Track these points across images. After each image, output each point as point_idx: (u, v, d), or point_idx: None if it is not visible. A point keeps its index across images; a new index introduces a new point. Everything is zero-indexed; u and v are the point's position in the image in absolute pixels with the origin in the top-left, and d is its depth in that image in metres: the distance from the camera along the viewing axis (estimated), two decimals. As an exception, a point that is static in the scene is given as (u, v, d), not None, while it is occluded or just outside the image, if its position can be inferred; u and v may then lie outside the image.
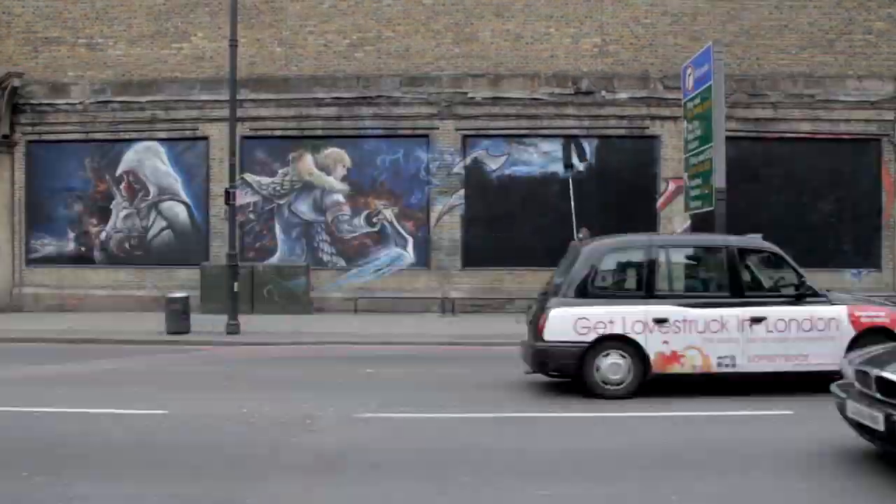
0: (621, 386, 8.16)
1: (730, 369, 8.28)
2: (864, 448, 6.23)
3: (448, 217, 17.33)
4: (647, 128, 17.21)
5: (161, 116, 17.62)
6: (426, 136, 17.39)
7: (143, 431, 6.98)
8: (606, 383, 8.16)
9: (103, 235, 17.99)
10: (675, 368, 8.27)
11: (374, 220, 17.57)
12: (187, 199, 17.83)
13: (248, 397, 8.40)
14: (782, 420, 7.34)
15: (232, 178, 14.48)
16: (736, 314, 8.22)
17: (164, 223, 17.88)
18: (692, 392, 8.47)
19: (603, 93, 17.10)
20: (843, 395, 5.75)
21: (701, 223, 15.33)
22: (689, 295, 8.55)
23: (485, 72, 17.28)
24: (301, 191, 17.67)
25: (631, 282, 8.89)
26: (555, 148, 17.34)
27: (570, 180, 16.90)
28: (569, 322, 8.20)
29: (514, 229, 17.32)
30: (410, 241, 17.52)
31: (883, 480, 5.46)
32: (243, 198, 17.17)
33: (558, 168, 17.35)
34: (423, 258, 17.42)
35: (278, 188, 17.70)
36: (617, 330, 8.18)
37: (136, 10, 17.78)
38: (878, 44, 17.19)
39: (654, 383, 8.35)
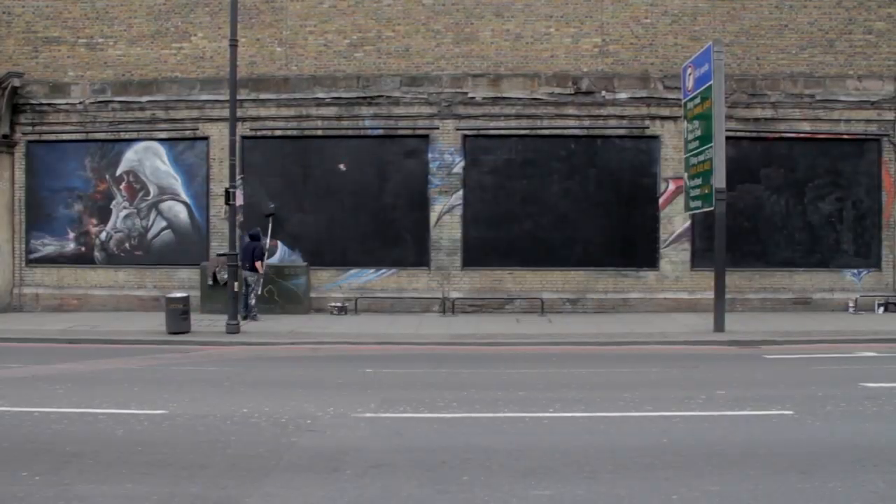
0: None
1: None
2: (864, 447, 6.24)
3: (448, 217, 17.33)
4: (647, 128, 17.20)
5: (161, 116, 17.62)
6: (426, 136, 17.39)
7: (143, 431, 6.98)
8: None
9: (103, 235, 17.99)
10: None
11: (374, 219, 17.56)
12: (187, 199, 17.82)
13: (248, 397, 8.41)
14: (782, 420, 7.34)
15: (232, 178, 14.48)
16: None
17: (164, 223, 17.88)
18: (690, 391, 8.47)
19: (603, 93, 17.10)
20: None
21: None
22: None
23: (485, 72, 17.29)
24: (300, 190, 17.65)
25: None
26: (555, 147, 17.35)
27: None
28: None
29: (514, 229, 17.32)
30: (410, 240, 17.52)
31: (882, 479, 5.47)
32: (243, 198, 17.15)
33: (558, 168, 17.36)
34: (423, 258, 17.42)
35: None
36: None
37: (136, 10, 17.78)
38: (878, 44, 17.19)
39: (643, 384, 8.33)
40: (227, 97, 15.60)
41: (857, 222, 17.28)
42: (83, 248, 18.03)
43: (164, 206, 17.88)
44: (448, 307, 16.91)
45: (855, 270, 17.15)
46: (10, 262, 17.95)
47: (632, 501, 5.11)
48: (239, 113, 15.62)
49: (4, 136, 17.66)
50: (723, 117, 13.86)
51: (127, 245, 17.97)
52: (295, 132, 17.56)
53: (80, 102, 17.70)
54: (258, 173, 17.61)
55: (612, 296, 17.12)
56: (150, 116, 17.65)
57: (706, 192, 14.19)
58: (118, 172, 17.93)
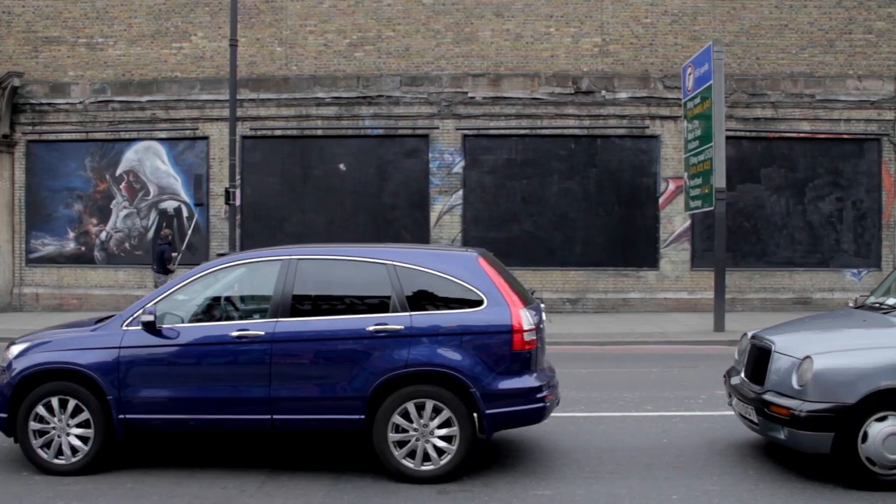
0: None
1: None
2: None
3: (448, 217, 17.33)
4: (647, 128, 17.21)
5: (161, 116, 17.62)
6: (426, 135, 17.39)
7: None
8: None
9: (103, 235, 17.99)
10: None
11: (374, 219, 17.56)
12: (187, 199, 17.83)
13: (248, 397, 8.39)
14: (782, 420, 7.33)
15: (232, 178, 14.50)
16: None
17: (164, 223, 17.87)
18: (690, 392, 8.47)
19: (603, 93, 17.10)
20: None
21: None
22: None
23: (485, 72, 17.29)
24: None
25: None
26: (555, 147, 17.35)
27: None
28: None
29: (514, 229, 17.32)
30: (410, 240, 17.50)
31: (883, 480, 5.47)
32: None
33: (558, 168, 17.36)
34: (423, 258, 17.37)
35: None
36: None
37: (136, 10, 17.78)
38: (879, 43, 17.19)
39: (643, 384, 8.29)
40: (227, 97, 15.60)
41: (857, 222, 17.28)
42: (83, 248, 18.04)
43: (164, 206, 17.88)
44: (448, 307, 16.87)
45: (855, 270, 17.15)
46: (10, 261, 17.95)
47: (632, 501, 5.12)
48: (239, 113, 15.63)
49: (4, 136, 17.66)
50: (723, 117, 13.85)
51: (127, 245, 17.98)
52: (295, 132, 17.56)
53: (80, 102, 17.70)
54: (258, 173, 17.62)
55: (612, 296, 17.11)
56: (150, 116, 17.65)
57: (706, 191, 14.19)
58: (118, 172, 17.93)
